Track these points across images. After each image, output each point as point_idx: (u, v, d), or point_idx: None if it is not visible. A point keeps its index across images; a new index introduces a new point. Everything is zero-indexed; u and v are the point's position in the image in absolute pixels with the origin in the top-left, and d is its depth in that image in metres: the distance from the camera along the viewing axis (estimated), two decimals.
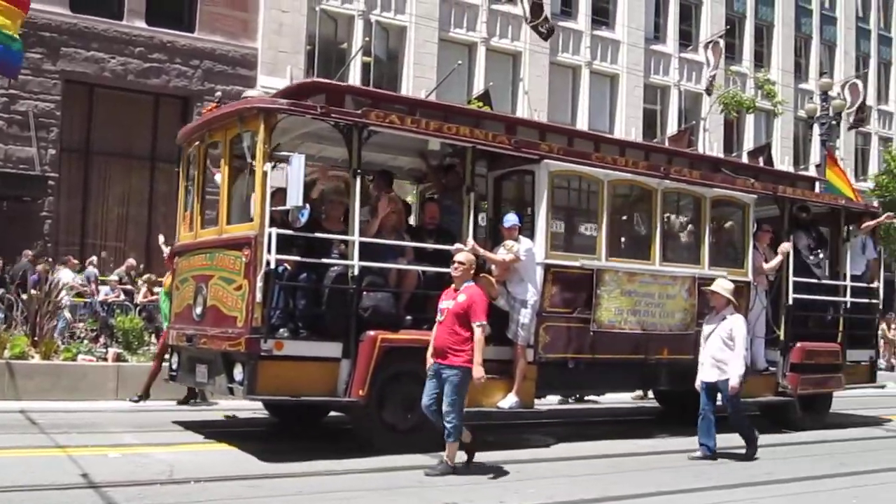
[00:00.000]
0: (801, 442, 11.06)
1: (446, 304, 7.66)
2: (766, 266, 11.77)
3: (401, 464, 7.99)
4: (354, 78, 22.55)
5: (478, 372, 7.53)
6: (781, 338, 11.94)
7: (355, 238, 8.42)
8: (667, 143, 25.79)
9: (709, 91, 28.98)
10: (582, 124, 27.37)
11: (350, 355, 8.35)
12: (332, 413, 10.33)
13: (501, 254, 9.33)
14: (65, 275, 15.64)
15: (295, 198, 7.93)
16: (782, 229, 12.08)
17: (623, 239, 10.92)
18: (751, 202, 11.56)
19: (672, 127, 29.69)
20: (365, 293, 8.47)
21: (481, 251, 9.16)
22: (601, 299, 10.02)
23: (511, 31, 27.00)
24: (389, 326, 8.53)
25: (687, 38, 32.05)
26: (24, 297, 13.50)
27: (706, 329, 9.55)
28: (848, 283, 12.69)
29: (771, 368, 11.96)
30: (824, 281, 12.56)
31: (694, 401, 9.41)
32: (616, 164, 10.26)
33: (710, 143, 30.42)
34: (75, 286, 15.49)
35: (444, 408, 7.47)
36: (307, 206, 8.11)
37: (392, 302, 8.74)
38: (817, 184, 15.24)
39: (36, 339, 12.22)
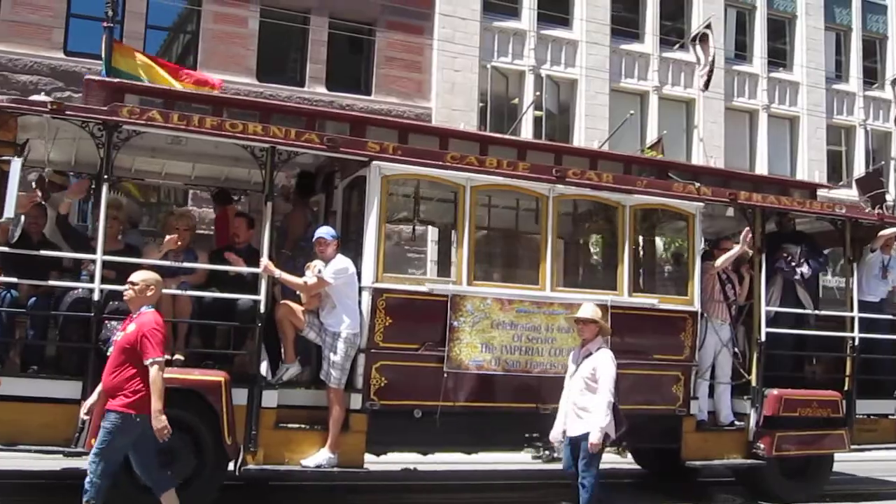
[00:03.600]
0: None
1: (118, 335, 6.12)
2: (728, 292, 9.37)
3: None
4: (527, 132, 22.28)
5: (158, 422, 5.90)
6: (753, 384, 9.41)
7: (97, 257, 7.03)
8: (854, 186, 24.36)
9: None
10: (761, 169, 26.11)
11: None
12: None
13: (306, 276, 7.64)
14: None
15: (8, 209, 6.69)
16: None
17: (500, 259, 8.89)
18: (695, 212, 9.19)
19: (859, 168, 27.87)
20: (107, 323, 7.02)
21: (277, 273, 7.52)
22: (459, 332, 8.05)
23: (683, 77, 26.27)
24: None
25: (871, 76, 29.90)
26: None
27: (570, 368, 7.44)
28: (856, 313, 9.91)
29: (738, 423, 9.44)
30: (815, 311, 9.88)
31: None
32: (482, 165, 8.32)
33: None
34: None
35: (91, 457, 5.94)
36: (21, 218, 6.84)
37: None
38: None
39: None
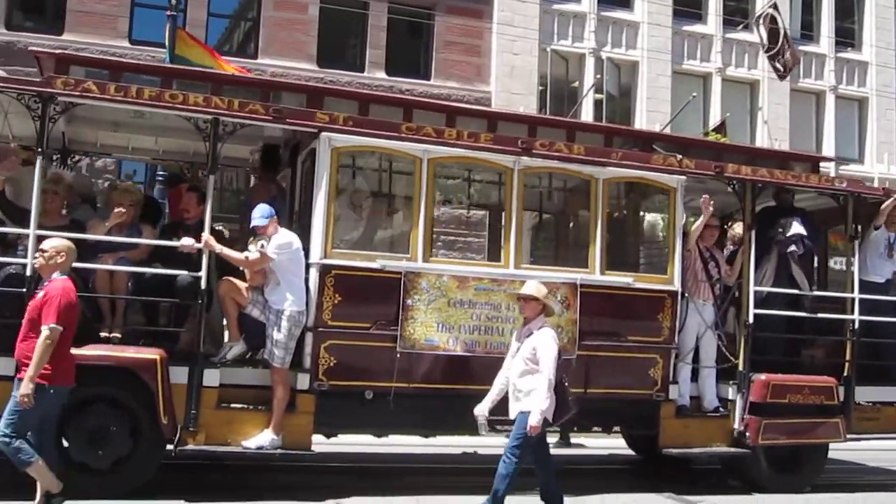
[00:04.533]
0: None
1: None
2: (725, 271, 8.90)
3: None
4: (587, 115, 22.17)
5: (25, 388, 5.74)
6: (739, 368, 8.88)
7: (30, 231, 6.87)
8: None
9: None
10: (828, 152, 25.32)
11: None
12: None
13: (249, 251, 7.38)
14: None
15: None
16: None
17: (460, 235, 8.49)
18: (676, 186, 8.67)
19: None
20: None
21: (218, 248, 7.28)
22: (414, 311, 7.72)
23: (748, 59, 25.82)
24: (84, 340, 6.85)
25: None
26: None
27: (512, 346, 7.07)
28: (856, 294, 9.27)
29: (723, 410, 8.93)
30: (810, 292, 9.27)
31: None
32: (441, 136, 7.93)
33: None
34: None
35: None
36: None
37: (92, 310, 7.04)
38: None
39: None
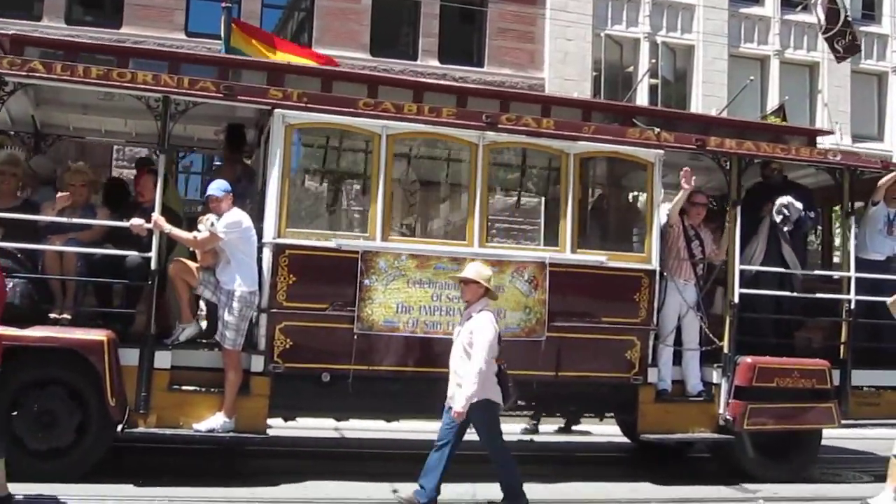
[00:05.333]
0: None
1: None
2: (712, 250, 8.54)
3: None
4: (642, 100, 21.82)
5: None
6: (725, 350, 8.48)
7: None
8: None
9: None
10: (891, 136, 25.32)
11: None
12: None
13: (197, 232, 7.26)
14: None
15: None
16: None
17: (424, 213, 8.28)
18: (654, 160, 8.30)
19: None
20: None
21: (167, 228, 7.16)
22: (372, 291, 7.52)
23: (806, 41, 25.45)
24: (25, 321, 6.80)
25: None
26: None
27: (455, 332, 6.83)
28: (853, 273, 8.79)
29: (705, 394, 8.55)
30: (802, 271, 8.81)
31: None
32: (401, 111, 7.70)
33: None
34: None
35: None
36: None
37: (26, 291, 6.97)
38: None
39: None
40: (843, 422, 8.74)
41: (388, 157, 7.67)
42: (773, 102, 22.66)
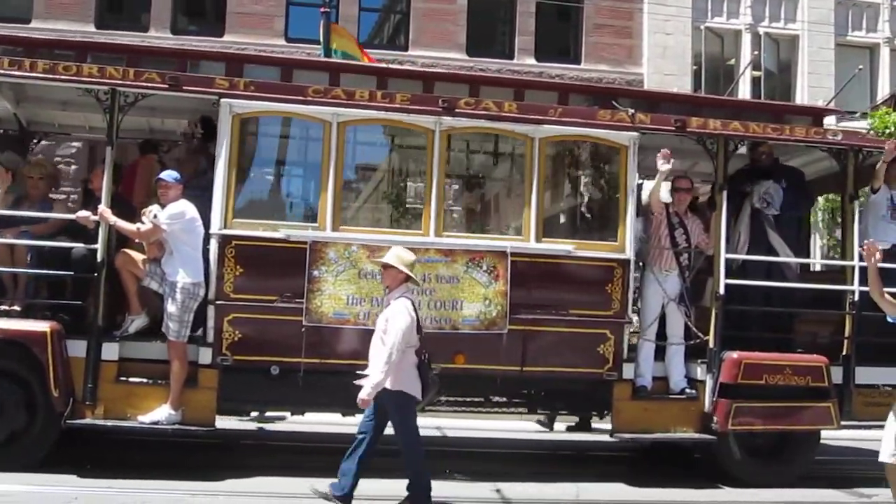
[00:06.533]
0: None
1: None
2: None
3: None
4: (744, 93, 21.42)
5: None
6: (710, 345, 7.95)
7: None
8: None
9: None
10: None
11: None
12: None
13: (140, 223, 7.21)
14: None
15: None
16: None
17: (375, 202, 8.03)
18: (628, 143, 7.84)
19: None
20: None
21: (112, 220, 7.14)
22: (321, 283, 7.33)
23: None
24: None
25: None
26: None
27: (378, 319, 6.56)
28: (856, 262, 8.11)
29: (689, 392, 8.03)
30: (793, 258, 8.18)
31: None
32: (352, 98, 7.49)
33: None
34: None
35: None
36: None
37: None
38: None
39: None
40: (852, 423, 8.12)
41: (338, 145, 7.47)
42: (883, 92, 21.83)
